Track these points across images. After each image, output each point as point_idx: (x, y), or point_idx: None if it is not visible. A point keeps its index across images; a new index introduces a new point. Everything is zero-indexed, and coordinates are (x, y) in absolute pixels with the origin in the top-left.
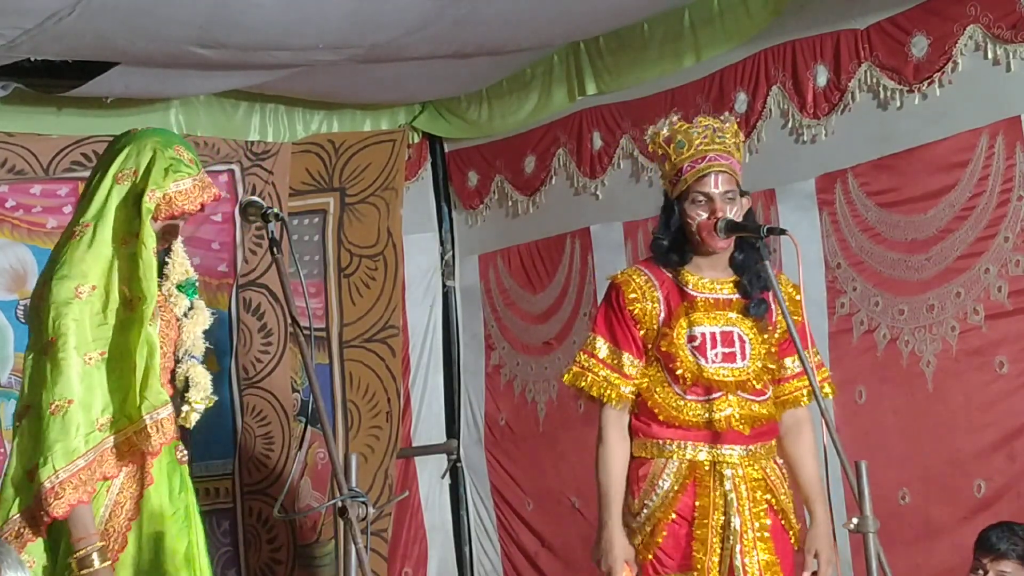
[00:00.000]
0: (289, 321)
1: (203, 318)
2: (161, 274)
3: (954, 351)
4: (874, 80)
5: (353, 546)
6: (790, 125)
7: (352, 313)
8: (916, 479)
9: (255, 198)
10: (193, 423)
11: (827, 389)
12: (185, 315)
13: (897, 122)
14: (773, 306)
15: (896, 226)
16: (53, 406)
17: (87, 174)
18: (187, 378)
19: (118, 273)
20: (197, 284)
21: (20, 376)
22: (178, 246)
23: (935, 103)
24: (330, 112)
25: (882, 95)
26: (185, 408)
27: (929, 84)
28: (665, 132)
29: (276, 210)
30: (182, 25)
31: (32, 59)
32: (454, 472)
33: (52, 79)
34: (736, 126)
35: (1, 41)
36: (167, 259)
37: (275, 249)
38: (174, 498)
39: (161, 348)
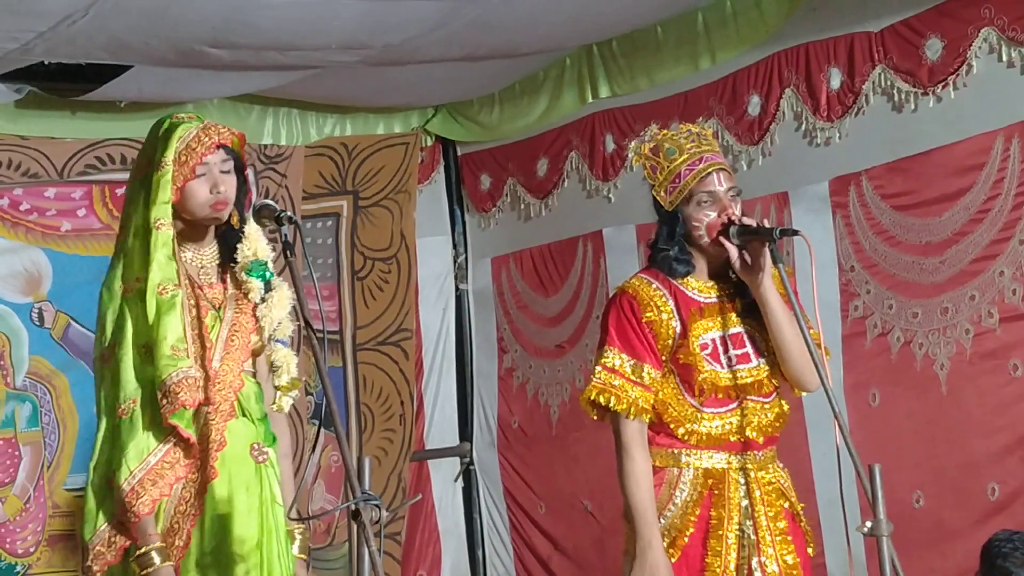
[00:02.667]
0: (302, 324)
1: (282, 299)
2: (233, 259)
3: (968, 354)
4: (888, 83)
5: (366, 549)
6: (803, 128)
7: (365, 316)
8: (930, 482)
9: (268, 201)
10: (287, 408)
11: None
12: (263, 299)
13: (911, 125)
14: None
15: (910, 229)
16: (120, 409)
17: (101, 177)
18: (272, 363)
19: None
20: (269, 264)
21: (35, 379)
22: (251, 228)
23: (950, 106)
24: (343, 115)
25: (896, 98)
26: (277, 395)
27: (944, 87)
28: (649, 143)
29: (289, 213)
30: (195, 26)
31: (46, 63)
32: (467, 475)
33: (66, 83)
34: (710, 131)
35: (15, 44)
36: (239, 244)
37: (288, 252)
38: (248, 492)
39: (233, 338)
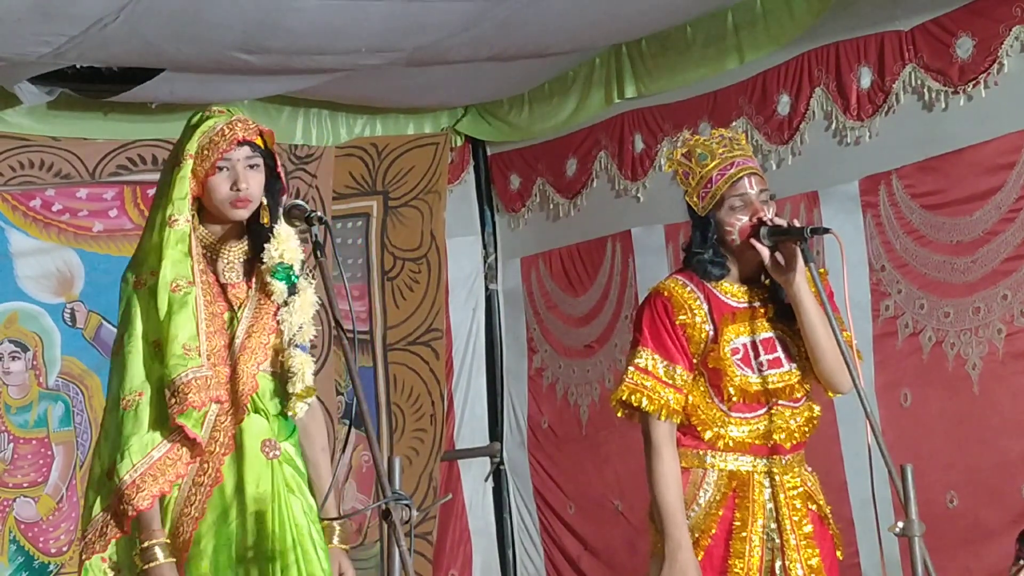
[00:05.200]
0: (333, 324)
1: (305, 303)
2: (261, 260)
3: (1000, 354)
4: (919, 82)
5: (397, 549)
6: (833, 127)
7: (395, 316)
8: (963, 482)
9: (299, 201)
10: (301, 414)
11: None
12: (285, 303)
13: (942, 124)
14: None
15: (941, 228)
16: (124, 401)
17: (132, 178)
18: (288, 368)
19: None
20: (295, 267)
21: (68, 379)
22: (283, 229)
23: (981, 105)
24: (373, 116)
25: (927, 97)
26: (292, 400)
27: (975, 86)
28: (682, 148)
29: (319, 214)
30: (226, 30)
31: (78, 66)
32: (497, 475)
33: (98, 85)
34: (744, 136)
35: (48, 48)
36: (267, 244)
37: (319, 253)
38: (258, 488)
39: (249, 339)
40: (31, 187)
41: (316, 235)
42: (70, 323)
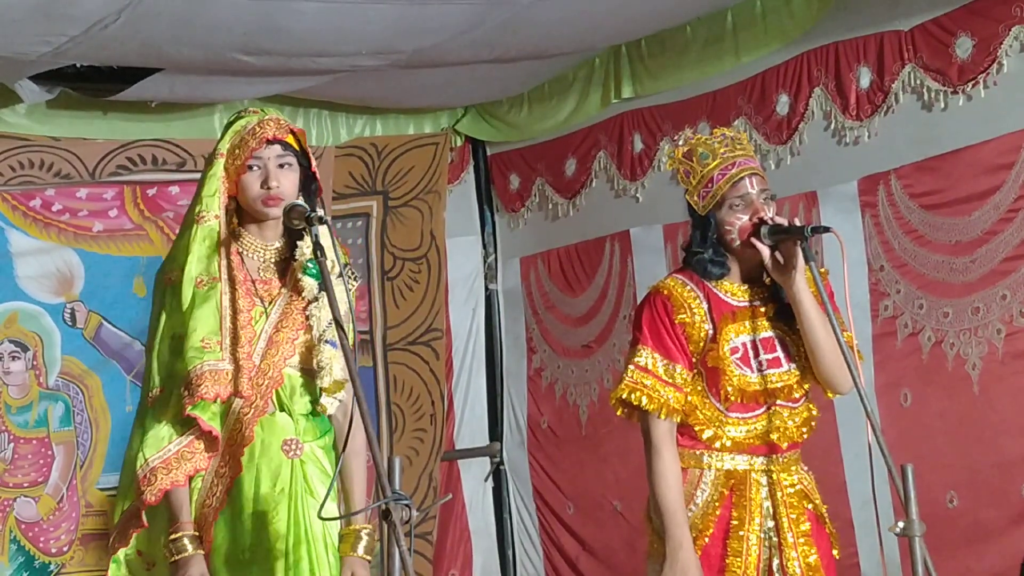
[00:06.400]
0: (333, 325)
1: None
2: (294, 257)
3: (1000, 354)
4: (918, 82)
5: (397, 549)
6: (832, 127)
7: (396, 316)
8: (964, 482)
9: (299, 201)
10: (331, 410)
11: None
12: (315, 299)
13: (941, 124)
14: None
15: (940, 228)
16: (149, 398)
17: (132, 178)
18: (317, 363)
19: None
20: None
21: (68, 379)
22: (318, 226)
23: (980, 105)
24: (373, 116)
25: (926, 96)
26: (321, 396)
27: (974, 85)
28: (683, 147)
29: (320, 213)
30: (226, 32)
31: (78, 65)
32: (497, 475)
33: (97, 84)
34: (746, 135)
35: (47, 48)
36: (299, 242)
37: (318, 253)
38: (275, 487)
39: (277, 334)
40: (31, 187)
41: (316, 235)
42: (70, 323)
